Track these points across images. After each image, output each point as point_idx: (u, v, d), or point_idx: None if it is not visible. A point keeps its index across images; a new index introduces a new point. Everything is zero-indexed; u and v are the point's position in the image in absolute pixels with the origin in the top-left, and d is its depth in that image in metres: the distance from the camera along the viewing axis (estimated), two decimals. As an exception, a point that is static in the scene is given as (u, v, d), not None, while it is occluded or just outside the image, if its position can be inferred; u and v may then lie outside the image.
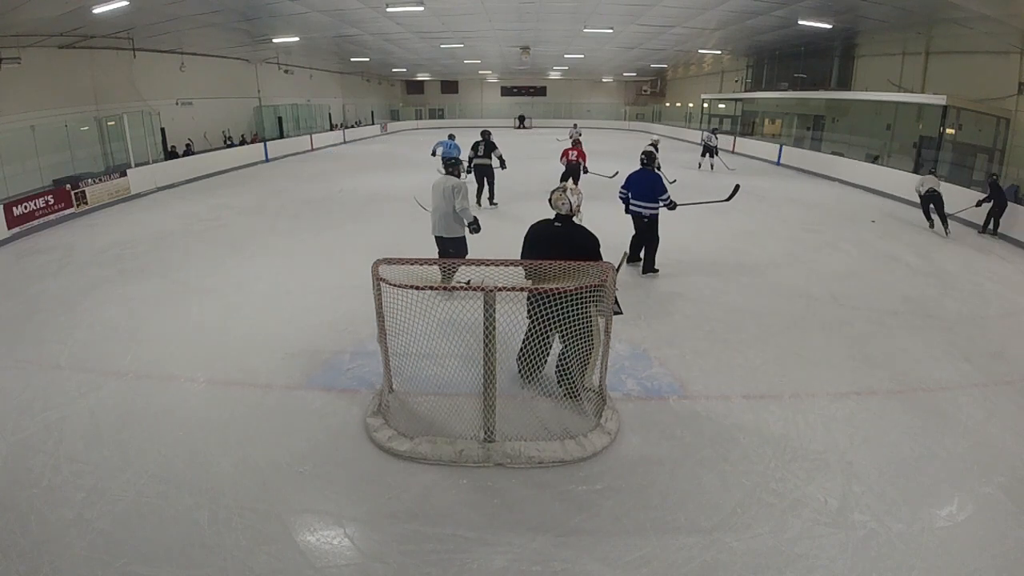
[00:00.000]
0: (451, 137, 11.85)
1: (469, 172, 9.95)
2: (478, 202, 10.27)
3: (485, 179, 10.27)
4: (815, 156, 16.47)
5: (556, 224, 3.82)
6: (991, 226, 9.36)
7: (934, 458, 3.34)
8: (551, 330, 3.62)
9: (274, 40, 16.90)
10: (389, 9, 13.38)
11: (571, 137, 15.85)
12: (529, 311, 3.68)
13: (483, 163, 10.15)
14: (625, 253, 4.08)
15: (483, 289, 3.12)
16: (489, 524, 2.80)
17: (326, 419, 3.68)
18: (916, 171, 12.70)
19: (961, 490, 3.08)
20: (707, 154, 16.20)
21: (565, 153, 10.66)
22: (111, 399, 3.92)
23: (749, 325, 5.23)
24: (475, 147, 10.23)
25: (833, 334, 5.09)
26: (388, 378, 3.78)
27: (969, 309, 5.82)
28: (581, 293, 3.26)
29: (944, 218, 9.11)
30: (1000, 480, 3.12)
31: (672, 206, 6.28)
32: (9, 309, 5.71)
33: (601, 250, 3.76)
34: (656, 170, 6.63)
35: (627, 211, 6.49)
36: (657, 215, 6.33)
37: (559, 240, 3.78)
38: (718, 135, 17.08)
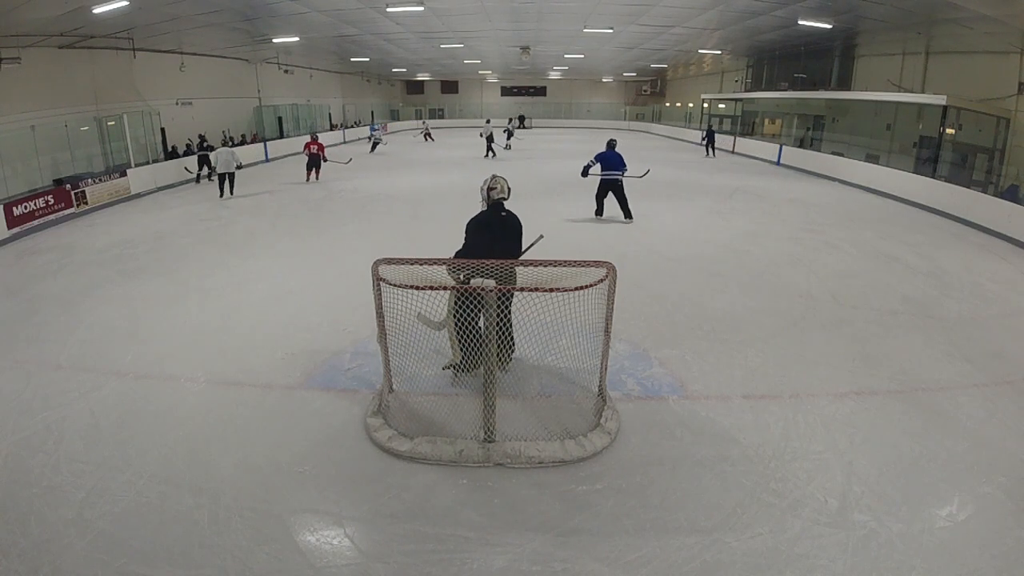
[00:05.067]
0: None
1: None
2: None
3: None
4: (815, 156, 16.47)
5: (503, 213, 4.05)
6: (711, 153, 19.21)
7: (934, 458, 3.34)
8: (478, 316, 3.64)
9: (274, 40, 16.89)
10: (389, 9, 13.38)
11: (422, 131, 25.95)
12: (463, 308, 3.67)
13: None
14: (540, 236, 4.49)
15: (483, 289, 3.12)
16: (489, 524, 2.80)
17: (326, 419, 3.68)
18: (916, 171, 12.72)
19: (961, 490, 3.08)
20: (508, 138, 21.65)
21: (307, 145, 13.87)
22: (111, 399, 3.92)
23: (749, 325, 5.22)
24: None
25: (833, 334, 5.09)
26: (388, 378, 3.78)
27: (969, 309, 5.82)
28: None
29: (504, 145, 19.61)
30: (1000, 480, 3.12)
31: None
32: (9, 309, 5.71)
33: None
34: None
35: (584, 175, 9.26)
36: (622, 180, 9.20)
37: (513, 225, 4.11)
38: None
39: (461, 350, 3.90)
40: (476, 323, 3.64)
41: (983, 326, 5.38)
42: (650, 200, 11.26)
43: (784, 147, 18.15)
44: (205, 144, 13.88)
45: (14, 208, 8.77)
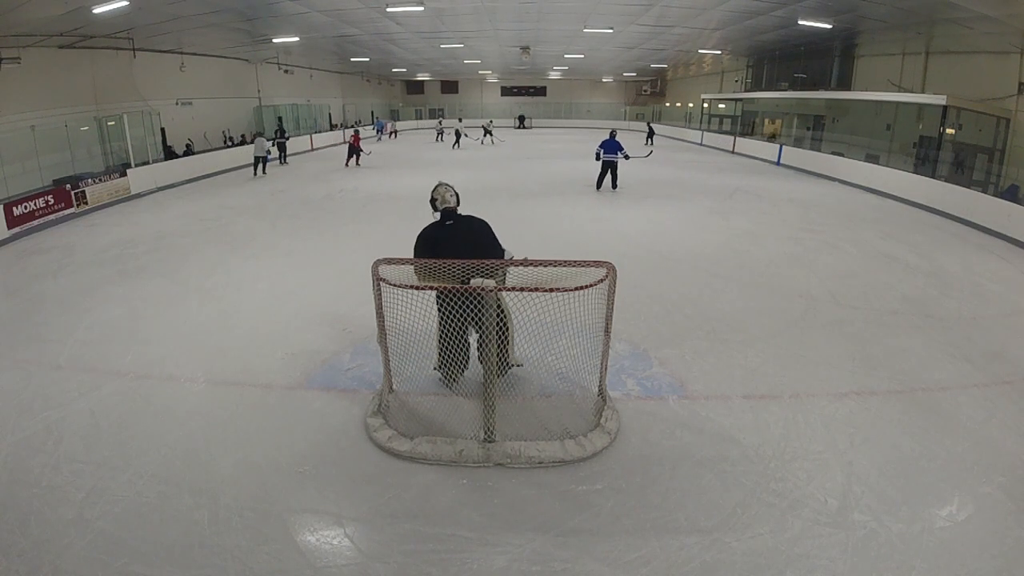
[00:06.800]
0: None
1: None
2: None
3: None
4: (815, 156, 16.47)
5: (449, 222, 3.70)
6: (651, 144, 20.66)
7: (934, 458, 3.34)
8: (467, 325, 3.52)
9: (274, 40, 16.89)
10: (389, 9, 13.37)
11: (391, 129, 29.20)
12: (443, 312, 3.55)
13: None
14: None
15: (483, 289, 3.12)
16: (489, 524, 2.80)
17: (326, 419, 3.68)
18: (916, 171, 12.72)
19: (961, 490, 3.08)
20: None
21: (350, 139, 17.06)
22: (111, 399, 3.92)
23: (749, 325, 5.22)
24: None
25: (833, 334, 5.09)
26: (388, 378, 3.78)
27: (969, 309, 5.82)
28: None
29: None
30: (1000, 480, 3.12)
31: (626, 157, 11.91)
32: (9, 309, 5.71)
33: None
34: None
35: (597, 158, 12.02)
36: (618, 161, 11.99)
37: (466, 231, 3.69)
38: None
39: (438, 353, 3.90)
40: (459, 328, 3.53)
41: (983, 326, 5.38)
42: (650, 200, 11.28)
43: (784, 147, 18.15)
44: (286, 134, 18.11)
45: (14, 208, 8.76)
